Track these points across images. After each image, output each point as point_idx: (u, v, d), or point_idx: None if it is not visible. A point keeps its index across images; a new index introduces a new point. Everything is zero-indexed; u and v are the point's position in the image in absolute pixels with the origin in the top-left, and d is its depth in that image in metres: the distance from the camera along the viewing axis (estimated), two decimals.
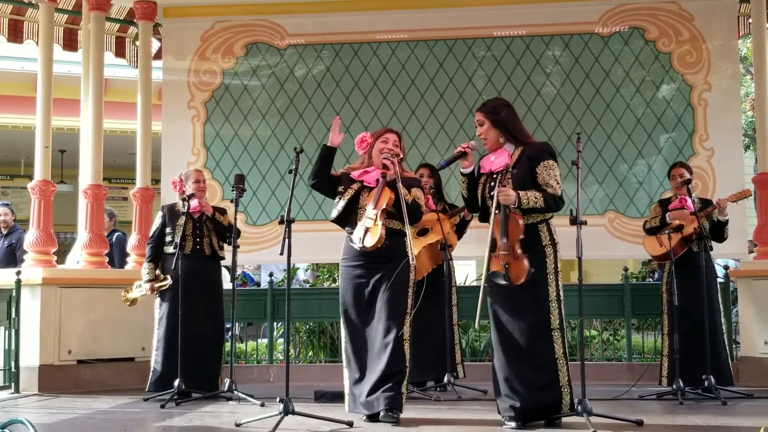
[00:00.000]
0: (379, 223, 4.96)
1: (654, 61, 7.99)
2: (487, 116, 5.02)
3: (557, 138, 7.87)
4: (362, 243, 4.98)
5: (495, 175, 4.89)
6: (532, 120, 7.83)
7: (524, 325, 4.81)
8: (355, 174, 5.27)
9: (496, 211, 4.76)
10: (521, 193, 4.74)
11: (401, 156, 5.22)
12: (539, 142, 5.09)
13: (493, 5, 8.18)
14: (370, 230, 4.97)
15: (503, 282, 4.74)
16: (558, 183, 4.86)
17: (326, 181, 5.29)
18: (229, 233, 6.62)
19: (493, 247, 4.78)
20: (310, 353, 8.78)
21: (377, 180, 5.14)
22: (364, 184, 5.21)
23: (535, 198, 4.77)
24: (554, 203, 4.82)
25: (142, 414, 5.80)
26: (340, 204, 5.21)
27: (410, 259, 5.08)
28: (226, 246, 6.77)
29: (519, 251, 4.74)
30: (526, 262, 4.73)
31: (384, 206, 5.00)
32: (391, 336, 4.97)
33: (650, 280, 10.19)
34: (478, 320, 4.72)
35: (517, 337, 4.81)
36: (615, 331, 8.73)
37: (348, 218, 5.22)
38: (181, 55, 8.36)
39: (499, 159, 4.92)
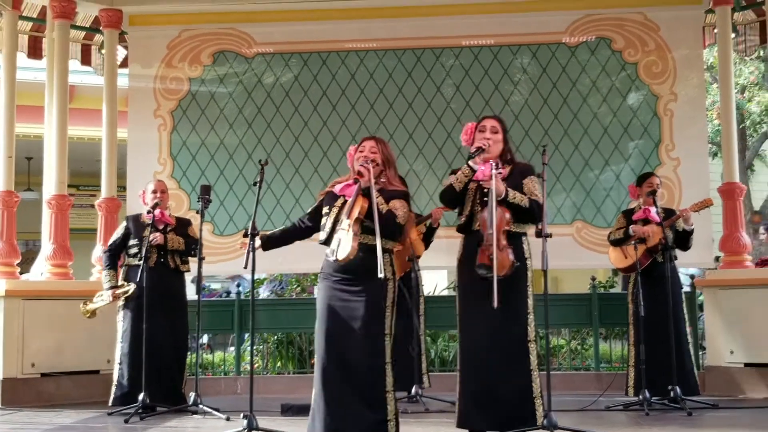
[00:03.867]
0: (351, 233, 4.64)
1: (620, 71, 8.04)
2: (501, 127, 5.06)
3: (525, 148, 7.85)
4: (335, 256, 4.67)
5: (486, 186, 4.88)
6: None
7: (503, 336, 4.80)
8: (336, 189, 4.94)
9: (484, 205, 4.79)
10: (509, 189, 4.82)
11: (377, 162, 4.86)
12: (527, 163, 5.19)
13: (462, 15, 8.18)
14: (343, 241, 4.65)
15: (486, 273, 4.69)
16: (541, 197, 4.93)
17: (312, 227, 5.03)
18: (191, 248, 6.58)
19: (480, 241, 4.79)
20: (279, 364, 8.73)
21: (362, 166, 4.81)
22: (347, 198, 4.84)
23: (521, 197, 4.85)
24: (537, 208, 4.87)
25: (105, 429, 5.73)
26: (327, 225, 4.85)
27: (384, 276, 4.62)
28: (191, 258, 6.71)
29: (504, 242, 4.75)
30: (510, 255, 4.75)
31: (356, 215, 4.66)
32: (370, 361, 4.68)
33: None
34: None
35: (494, 347, 4.79)
36: (583, 340, 8.75)
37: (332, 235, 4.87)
38: (147, 63, 8.29)
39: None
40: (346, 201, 4.77)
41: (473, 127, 5.09)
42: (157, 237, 6.51)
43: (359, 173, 4.76)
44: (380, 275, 4.55)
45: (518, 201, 4.83)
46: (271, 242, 5.08)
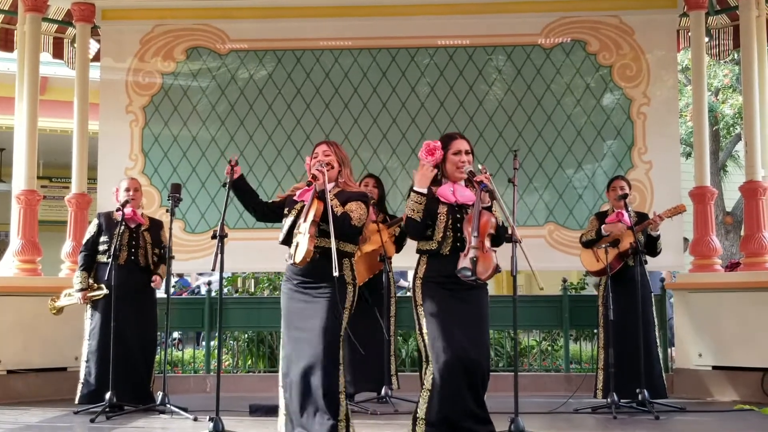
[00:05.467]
0: (308, 236, 4.69)
1: (595, 74, 8.07)
2: (472, 149, 4.96)
3: (499, 149, 7.90)
4: (293, 259, 4.75)
5: (458, 207, 4.78)
6: (474, 131, 7.84)
7: (473, 358, 4.72)
8: (296, 195, 5.04)
9: (470, 209, 4.73)
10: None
11: (332, 165, 4.93)
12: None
13: (437, 15, 8.16)
14: (300, 245, 4.71)
15: (470, 276, 4.64)
16: (501, 218, 4.88)
17: (264, 211, 5.14)
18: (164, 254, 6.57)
19: (462, 246, 4.73)
20: (249, 362, 8.70)
21: (317, 169, 4.85)
22: (305, 203, 4.91)
23: (498, 214, 4.78)
24: (503, 230, 4.83)
25: (71, 429, 5.68)
26: (285, 227, 4.95)
27: (342, 276, 4.74)
28: None
29: (488, 246, 4.70)
30: (494, 258, 4.70)
31: (312, 218, 4.73)
32: (326, 363, 4.72)
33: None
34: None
35: (474, 365, 4.74)
36: (554, 340, 8.78)
37: (291, 239, 4.94)
38: (119, 58, 8.20)
39: (465, 193, 4.81)
40: (304, 205, 4.82)
41: (440, 148, 4.86)
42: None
43: (314, 176, 4.82)
44: (335, 273, 4.57)
45: (498, 212, 4.78)
46: (242, 187, 5.14)
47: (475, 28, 8.13)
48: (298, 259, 4.67)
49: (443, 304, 4.77)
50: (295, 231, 4.79)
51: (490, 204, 4.76)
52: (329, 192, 4.76)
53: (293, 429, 4.75)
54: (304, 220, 4.73)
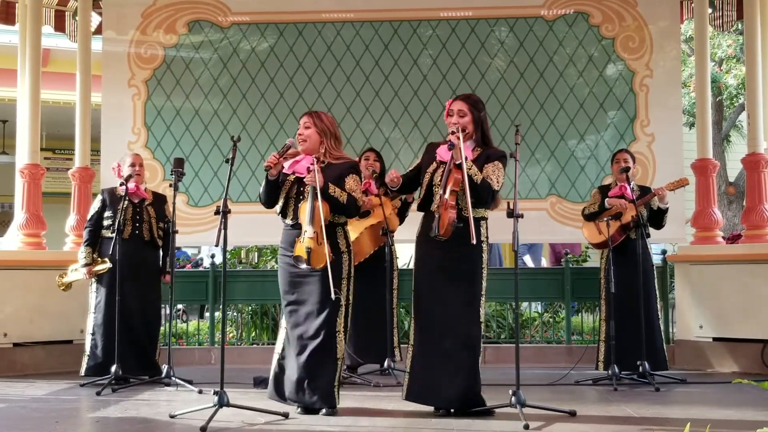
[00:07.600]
0: (323, 241, 4.87)
1: (597, 46, 8.02)
2: (471, 110, 5.03)
3: (501, 122, 7.88)
4: (310, 264, 4.88)
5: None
6: None
7: (455, 318, 4.89)
8: (287, 166, 5.15)
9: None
10: (468, 161, 4.83)
11: (306, 139, 5.11)
12: (500, 149, 5.18)
13: None
14: (315, 252, 4.85)
15: (431, 233, 4.81)
16: (498, 182, 4.96)
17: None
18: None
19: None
20: (253, 334, 8.76)
21: (308, 168, 5.00)
22: (297, 173, 5.11)
23: (476, 172, 4.84)
24: (487, 192, 4.89)
25: (77, 402, 5.72)
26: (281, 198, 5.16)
27: (336, 246, 5.03)
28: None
29: (450, 202, 4.78)
30: (452, 214, 4.77)
31: (323, 222, 4.87)
32: (320, 331, 4.94)
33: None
34: None
35: (443, 329, 4.89)
36: (555, 312, 8.83)
37: (285, 208, 5.14)
38: (121, 31, 8.16)
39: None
40: (313, 188, 4.94)
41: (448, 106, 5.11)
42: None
43: (309, 172, 4.94)
44: (345, 254, 4.97)
45: (472, 174, 4.84)
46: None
47: (478, 0, 8.09)
48: (318, 265, 4.87)
49: (426, 262, 5.01)
50: (304, 235, 4.91)
51: (459, 163, 4.82)
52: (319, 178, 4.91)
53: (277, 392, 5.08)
54: (312, 224, 4.88)
